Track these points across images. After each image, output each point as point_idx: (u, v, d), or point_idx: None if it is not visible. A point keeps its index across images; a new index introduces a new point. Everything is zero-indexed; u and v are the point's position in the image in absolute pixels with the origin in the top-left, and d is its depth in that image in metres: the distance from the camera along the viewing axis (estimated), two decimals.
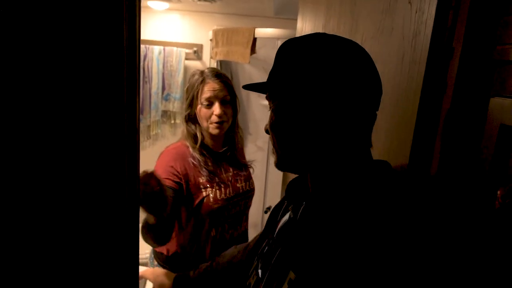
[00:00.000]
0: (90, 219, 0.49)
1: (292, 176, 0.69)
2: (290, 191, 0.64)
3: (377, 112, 0.60)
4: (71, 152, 0.46)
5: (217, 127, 1.24)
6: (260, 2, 1.96)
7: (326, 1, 1.23)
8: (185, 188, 1.21)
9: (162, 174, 1.18)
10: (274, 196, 2.56)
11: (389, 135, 0.84)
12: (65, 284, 0.49)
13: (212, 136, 1.28)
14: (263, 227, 0.80)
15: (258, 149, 2.68)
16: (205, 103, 1.23)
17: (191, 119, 1.29)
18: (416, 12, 0.78)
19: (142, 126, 2.58)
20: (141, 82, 2.49)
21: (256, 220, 2.69)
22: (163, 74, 2.51)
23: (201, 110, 1.24)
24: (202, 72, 1.27)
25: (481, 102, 0.67)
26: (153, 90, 2.52)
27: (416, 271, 0.44)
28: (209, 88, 1.23)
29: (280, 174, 2.02)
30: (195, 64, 2.55)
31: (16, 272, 0.46)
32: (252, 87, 0.63)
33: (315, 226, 0.54)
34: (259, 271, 0.64)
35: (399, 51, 0.82)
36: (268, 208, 1.95)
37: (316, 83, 0.51)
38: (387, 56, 0.86)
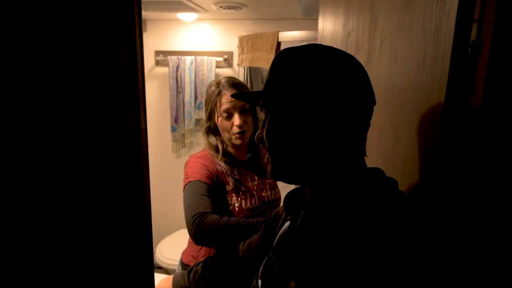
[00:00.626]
0: (94, 219, 0.48)
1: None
2: (288, 202, 0.65)
3: (370, 121, 0.59)
4: (76, 153, 0.46)
5: (239, 137, 1.23)
6: (286, 5, 1.91)
7: None
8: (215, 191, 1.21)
9: (201, 173, 1.18)
10: None
11: (411, 142, 0.76)
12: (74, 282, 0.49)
13: (235, 145, 1.27)
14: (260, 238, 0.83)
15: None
16: (225, 114, 1.22)
17: (212, 130, 1.28)
18: (438, 3, 0.69)
19: (177, 135, 2.64)
20: (174, 92, 2.56)
21: None
22: (195, 83, 2.55)
23: (222, 122, 1.24)
24: (218, 83, 1.25)
25: None
26: (186, 99, 2.56)
27: (414, 282, 0.44)
28: (227, 100, 1.21)
29: None
30: (226, 72, 2.56)
31: (26, 270, 0.46)
32: (244, 96, 0.64)
33: (314, 235, 0.54)
34: (259, 281, 0.66)
35: (420, 48, 0.73)
36: None
37: (310, 93, 0.52)
38: (407, 55, 0.78)
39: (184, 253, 1.41)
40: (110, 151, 0.49)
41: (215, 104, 1.24)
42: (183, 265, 1.38)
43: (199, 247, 1.33)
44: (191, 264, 1.32)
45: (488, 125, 0.61)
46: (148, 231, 0.56)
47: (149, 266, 0.57)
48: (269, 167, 0.59)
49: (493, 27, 0.59)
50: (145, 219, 0.56)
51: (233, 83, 1.25)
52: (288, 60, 0.55)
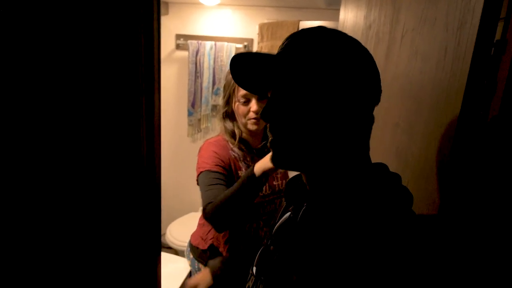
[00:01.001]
0: (106, 196, 0.51)
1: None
2: (289, 191, 0.64)
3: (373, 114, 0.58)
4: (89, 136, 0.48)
5: (255, 123, 1.24)
6: None
7: None
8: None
9: (211, 161, 1.21)
10: None
11: (425, 140, 0.74)
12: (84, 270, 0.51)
13: (250, 132, 1.28)
14: None
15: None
16: (242, 100, 1.23)
17: (229, 116, 1.30)
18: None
19: (193, 119, 2.67)
20: (193, 77, 2.57)
21: None
22: (213, 69, 2.55)
23: (238, 107, 1.25)
24: None
25: None
26: (204, 84, 2.58)
27: (417, 275, 0.44)
28: None
29: None
30: None
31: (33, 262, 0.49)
32: (244, 75, 0.61)
33: (317, 231, 0.53)
34: (254, 268, 0.65)
35: (441, 45, 0.71)
36: None
37: (317, 76, 0.51)
38: (429, 51, 0.76)
39: (193, 235, 1.45)
40: (124, 130, 0.51)
41: (234, 90, 1.25)
42: (192, 246, 1.42)
43: (207, 229, 1.35)
44: (200, 246, 1.36)
45: (506, 132, 0.59)
46: (157, 210, 0.58)
47: (157, 245, 0.60)
48: (271, 152, 0.57)
49: None
50: (155, 198, 0.58)
51: None
52: (301, 41, 0.54)
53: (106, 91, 0.48)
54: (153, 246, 0.59)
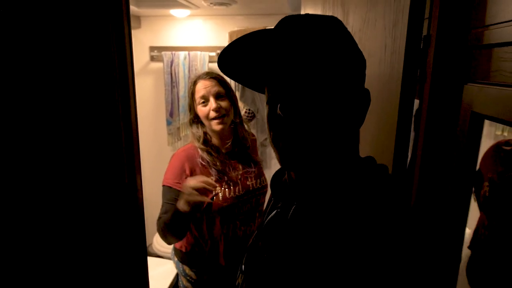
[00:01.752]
0: (88, 210, 0.56)
1: None
2: (275, 186, 0.61)
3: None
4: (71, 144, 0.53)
5: (219, 122, 1.27)
6: (274, 1, 1.98)
7: None
8: None
9: (173, 178, 1.26)
10: None
11: (377, 127, 0.84)
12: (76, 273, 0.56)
13: (218, 134, 1.32)
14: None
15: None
16: (201, 101, 1.28)
17: (195, 122, 1.34)
18: (395, 0, 0.77)
19: (172, 128, 2.72)
20: (169, 87, 2.63)
21: None
22: (189, 78, 2.62)
23: (199, 110, 1.30)
24: (195, 76, 1.34)
25: (457, 89, 0.66)
26: (181, 93, 2.64)
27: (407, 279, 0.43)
28: (201, 87, 1.28)
29: None
30: None
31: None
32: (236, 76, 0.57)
33: (310, 228, 0.50)
34: (243, 266, 0.63)
35: (382, 42, 0.82)
36: None
37: (315, 72, 0.47)
38: (373, 48, 0.86)
39: None
40: (103, 137, 0.57)
41: (192, 93, 1.31)
42: (176, 250, 1.47)
43: (188, 234, 1.40)
44: (182, 249, 1.41)
45: (434, 111, 0.69)
46: (140, 220, 0.64)
47: (143, 250, 0.65)
48: (278, 157, 0.53)
49: (437, 22, 0.67)
50: (137, 211, 0.64)
51: (208, 72, 1.33)
52: (292, 34, 0.48)
53: (84, 99, 0.54)
54: (139, 252, 0.64)
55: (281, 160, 0.52)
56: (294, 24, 0.48)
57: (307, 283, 0.46)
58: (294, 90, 0.47)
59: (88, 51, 0.53)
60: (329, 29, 0.48)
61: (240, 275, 0.64)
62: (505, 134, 1.29)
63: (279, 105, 0.47)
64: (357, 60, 0.51)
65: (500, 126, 1.36)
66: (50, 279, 0.52)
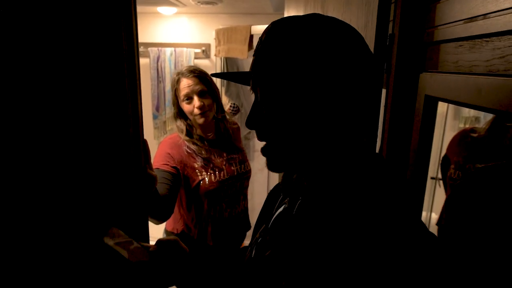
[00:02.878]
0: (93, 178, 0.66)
1: None
2: (286, 183, 0.62)
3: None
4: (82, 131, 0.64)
5: (202, 116, 1.38)
6: (258, 1, 2.11)
7: None
8: (181, 173, 1.36)
9: (160, 161, 1.35)
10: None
11: None
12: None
13: (201, 126, 1.42)
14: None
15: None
16: (185, 98, 1.37)
17: (178, 115, 1.43)
18: (366, 5, 0.91)
19: (158, 122, 2.80)
20: (155, 82, 2.71)
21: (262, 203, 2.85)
22: None
23: (184, 106, 1.39)
24: (178, 73, 1.41)
25: (414, 77, 0.81)
26: (167, 88, 2.72)
27: (411, 274, 0.43)
28: (185, 85, 1.37)
29: None
30: (204, 63, 2.73)
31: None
32: (233, 77, 0.59)
33: (313, 223, 0.51)
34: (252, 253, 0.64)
35: None
36: None
37: (307, 68, 0.46)
38: None
39: (168, 222, 1.59)
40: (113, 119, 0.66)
41: (176, 90, 1.40)
42: (168, 233, 1.57)
43: (178, 217, 1.50)
44: (175, 232, 1.51)
45: (397, 99, 0.83)
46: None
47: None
48: (267, 158, 0.54)
49: (399, 23, 0.81)
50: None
51: (191, 70, 1.40)
52: (281, 32, 0.48)
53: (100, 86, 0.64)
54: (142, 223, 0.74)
55: (267, 162, 0.53)
56: (277, 27, 0.49)
57: (312, 277, 0.46)
58: (273, 88, 0.48)
59: (101, 41, 0.61)
60: (309, 28, 0.47)
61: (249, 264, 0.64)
62: (467, 126, 1.47)
63: (262, 101, 0.50)
64: (348, 56, 0.47)
65: (463, 119, 1.54)
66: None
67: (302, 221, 0.53)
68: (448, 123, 1.45)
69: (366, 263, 0.42)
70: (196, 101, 1.36)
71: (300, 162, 0.52)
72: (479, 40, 0.57)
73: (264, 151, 0.53)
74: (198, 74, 1.40)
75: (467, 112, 1.52)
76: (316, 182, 0.54)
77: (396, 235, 0.44)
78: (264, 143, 0.53)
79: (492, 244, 0.70)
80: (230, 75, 0.60)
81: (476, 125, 1.30)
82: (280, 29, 0.48)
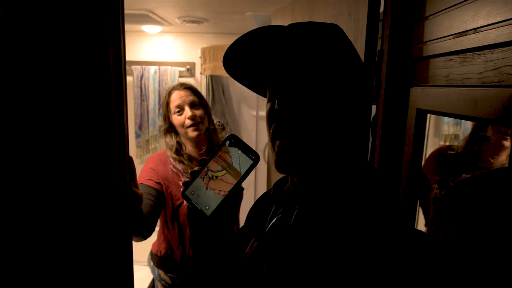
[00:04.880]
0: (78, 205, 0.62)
1: (276, 178, 0.67)
2: (277, 193, 0.61)
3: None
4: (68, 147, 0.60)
5: (194, 129, 1.33)
6: (243, 21, 2.14)
7: (292, 17, 1.39)
8: (165, 190, 1.31)
9: (144, 176, 1.30)
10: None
11: None
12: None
13: (193, 142, 1.37)
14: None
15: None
16: (176, 110, 1.34)
17: (169, 131, 1.39)
18: (354, 22, 0.94)
19: (141, 141, 2.74)
20: (138, 100, 2.67)
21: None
22: (159, 91, 2.68)
23: (175, 119, 1.35)
24: (169, 88, 1.41)
25: (405, 92, 0.82)
26: (150, 107, 2.69)
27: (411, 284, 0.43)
28: (176, 97, 1.35)
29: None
30: (189, 81, 2.72)
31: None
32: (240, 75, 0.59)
33: (313, 233, 0.51)
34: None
35: None
36: None
37: (330, 77, 0.48)
38: None
39: (153, 244, 1.54)
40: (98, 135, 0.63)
41: (167, 103, 1.37)
42: (152, 254, 1.51)
43: (162, 239, 1.45)
44: (158, 254, 1.44)
45: (388, 112, 0.84)
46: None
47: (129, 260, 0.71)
48: (274, 158, 0.53)
49: (388, 39, 0.83)
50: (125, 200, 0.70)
51: (182, 84, 1.41)
52: (308, 38, 0.50)
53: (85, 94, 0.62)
54: (125, 254, 0.70)
55: (276, 161, 0.51)
56: (299, 29, 0.50)
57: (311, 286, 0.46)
58: (292, 87, 0.49)
59: (88, 51, 0.61)
60: (330, 34, 0.50)
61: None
62: (447, 143, 1.51)
63: (277, 100, 0.49)
64: (355, 64, 0.51)
65: (443, 136, 1.58)
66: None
67: (302, 231, 0.52)
68: (429, 141, 1.48)
69: (373, 273, 0.43)
70: (187, 111, 1.33)
71: (309, 165, 0.51)
72: (471, 53, 0.58)
73: (280, 147, 0.51)
74: (189, 86, 1.39)
75: (447, 129, 1.56)
76: (315, 190, 0.53)
77: (403, 246, 0.45)
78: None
79: (489, 245, 0.70)
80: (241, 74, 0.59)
81: (455, 143, 1.34)
82: (310, 34, 0.50)
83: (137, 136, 2.73)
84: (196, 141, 1.39)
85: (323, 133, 0.48)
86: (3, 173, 0.53)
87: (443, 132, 1.59)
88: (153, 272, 1.52)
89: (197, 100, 1.38)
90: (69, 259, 0.60)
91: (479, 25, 0.56)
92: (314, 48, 0.49)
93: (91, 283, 0.62)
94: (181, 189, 1.40)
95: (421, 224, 1.21)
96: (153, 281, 1.55)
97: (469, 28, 0.58)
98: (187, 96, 1.36)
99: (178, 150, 1.37)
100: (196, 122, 1.35)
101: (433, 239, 0.90)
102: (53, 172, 0.58)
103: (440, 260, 0.46)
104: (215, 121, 2.70)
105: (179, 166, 1.35)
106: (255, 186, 2.89)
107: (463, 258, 0.74)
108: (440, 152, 1.30)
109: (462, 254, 0.74)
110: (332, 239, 0.47)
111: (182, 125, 1.35)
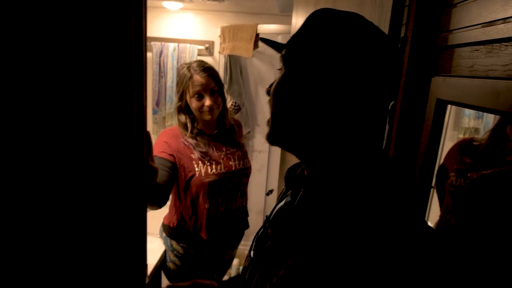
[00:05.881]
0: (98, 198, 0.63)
1: (290, 162, 0.69)
2: (289, 176, 0.64)
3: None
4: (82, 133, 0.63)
5: (209, 114, 1.40)
6: (264, 1, 2.11)
7: None
8: (178, 162, 1.37)
9: (158, 148, 1.36)
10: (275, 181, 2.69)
11: None
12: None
13: (204, 121, 1.44)
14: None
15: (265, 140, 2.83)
16: (196, 95, 1.38)
17: (182, 110, 1.44)
18: (379, 6, 0.91)
19: (158, 118, 2.78)
20: (157, 77, 2.69)
21: (259, 203, 2.87)
22: (177, 69, 2.69)
23: (192, 102, 1.40)
24: (189, 67, 1.41)
25: (426, 81, 0.81)
26: (168, 84, 2.71)
27: (415, 263, 0.44)
28: (198, 83, 1.38)
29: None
30: (207, 60, 2.71)
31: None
32: (270, 43, 0.62)
33: (314, 213, 0.52)
34: (251, 252, 0.65)
35: None
36: (270, 190, 2.10)
37: (335, 61, 0.49)
38: None
39: (165, 217, 1.60)
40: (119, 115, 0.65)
41: (187, 87, 1.40)
42: (164, 226, 1.57)
43: (174, 211, 1.51)
44: (170, 225, 1.51)
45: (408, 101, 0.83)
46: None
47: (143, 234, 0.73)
48: (267, 129, 0.56)
49: (412, 27, 0.81)
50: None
51: (204, 67, 1.40)
52: (321, 22, 0.51)
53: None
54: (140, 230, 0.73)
55: (269, 133, 0.56)
56: (319, 16, 0.53)
57: (313, 269, 0.46)
58: (294, 67, 0.52)
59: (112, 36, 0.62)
60: (346, 24, 0.51)
61: (248, 259, 0.66)
62: (466, 136, 1.48)
63: (291, 81, 0.52)
64: (372, 55, 0.49)
65: (462, 130, 1.55)
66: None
67: (303, 212, 0.54)
68: (448, 133, 1.46)
69: (366, 257, 0.43)
70: (207, 100, 1.38)
71: (300, 141, 0.53)
72: (498, 44, 0.57)
73: (269, 121, 0.55)
74: (211, 72, 1.41)
75: (467, 122, 1.53)
76: (319, 173, 0.55)
77: (398, 228, 0.45)
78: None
79: (502, 245, 0.70)
80: (271, 43, 0.62)
81: (476, 136, 1.31)
82: (325, 22, 0.51)
83: (154, 112, 2.77)
84: (207, 122, 1.45)
85: (320, 116, 0.50)
86: (30, 144, 0.56)
87: (463, 125, 1.56)
88: (165, 242, 1.58)
89: (216, 88, 1.42)
90: (88, 229, 0.63)
91: (509, 15, 0.54)
92: (326, 38, 0.50)
93: (108, 252, 0.66)
94: (193, 161, 1.45)
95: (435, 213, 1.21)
96: (165, 252, 1.62)
97: (499, 18, 0.56)
98: (209, 84, 1.39)
99: (191, 127, 1.43)
100: (213, 109, 1.38)
101: (440, 229, 0.90)
102: (77, 144, 0.60)
103: (439, 258, 0.46)
104: (231, 102, 2.74)
105: (191, 141, 1.41)
106: (267, 168, 2.91)
107: (467, 257, 0.73)
108: (463, 143, 1.29)
109: (468, 251, 0.75)
110: (331, 222, 0.48)
111: (199, 109, 1.40)
